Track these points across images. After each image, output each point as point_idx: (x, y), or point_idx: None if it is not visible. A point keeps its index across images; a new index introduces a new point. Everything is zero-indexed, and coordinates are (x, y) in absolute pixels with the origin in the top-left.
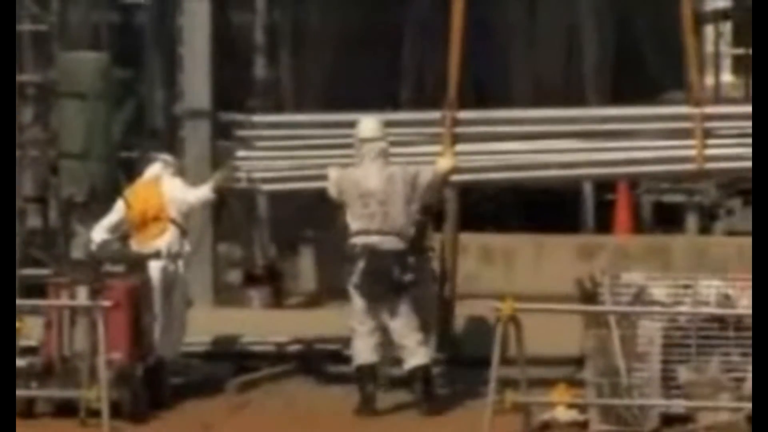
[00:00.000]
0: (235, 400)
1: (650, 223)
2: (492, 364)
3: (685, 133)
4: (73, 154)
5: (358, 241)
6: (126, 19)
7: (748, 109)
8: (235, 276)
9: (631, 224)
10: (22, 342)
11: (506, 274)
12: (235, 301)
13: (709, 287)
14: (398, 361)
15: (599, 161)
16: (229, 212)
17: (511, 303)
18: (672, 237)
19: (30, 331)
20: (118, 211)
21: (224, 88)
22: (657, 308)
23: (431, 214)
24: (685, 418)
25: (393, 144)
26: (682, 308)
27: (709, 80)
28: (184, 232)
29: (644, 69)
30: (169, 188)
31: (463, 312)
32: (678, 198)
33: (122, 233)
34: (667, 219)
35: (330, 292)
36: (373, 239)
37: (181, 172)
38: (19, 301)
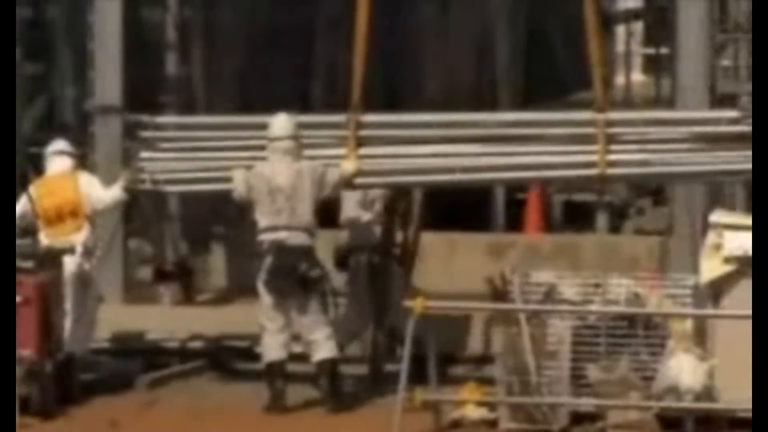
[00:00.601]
0: (144, 396)
1: (561, 221)
2: (402, 361)
3: (589, 139)
4: None
5: (266, 237)
6: (37, 13)
7: (650, 114)
8: (145, 272)
9: (541, 223)
10: None
11: (417, 272)
12: (145, 298)
13: (619, 286)
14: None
15: (503, 165)
16: (139, 209)
17: (422, 301)
18: (582, 236)
19: None
20: (21, 204)
21: (135, 85)
22: (567, 307)
23: (397, 215)
24: (594, 417)
25: (301, 146)
26: (592, 307)
27: (620, 79)
28: (94, 229)
29: (555, 70)
30: (85, 184)
31: None
32: (588, 197)
33: (29, 227)
34: (578, 218)
35: (240, 288)
36: (281, 235)
37: (85, 166)
38: None
